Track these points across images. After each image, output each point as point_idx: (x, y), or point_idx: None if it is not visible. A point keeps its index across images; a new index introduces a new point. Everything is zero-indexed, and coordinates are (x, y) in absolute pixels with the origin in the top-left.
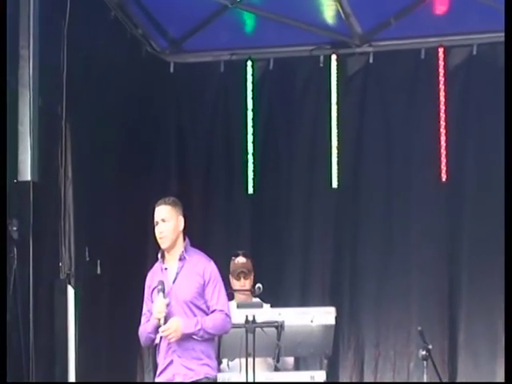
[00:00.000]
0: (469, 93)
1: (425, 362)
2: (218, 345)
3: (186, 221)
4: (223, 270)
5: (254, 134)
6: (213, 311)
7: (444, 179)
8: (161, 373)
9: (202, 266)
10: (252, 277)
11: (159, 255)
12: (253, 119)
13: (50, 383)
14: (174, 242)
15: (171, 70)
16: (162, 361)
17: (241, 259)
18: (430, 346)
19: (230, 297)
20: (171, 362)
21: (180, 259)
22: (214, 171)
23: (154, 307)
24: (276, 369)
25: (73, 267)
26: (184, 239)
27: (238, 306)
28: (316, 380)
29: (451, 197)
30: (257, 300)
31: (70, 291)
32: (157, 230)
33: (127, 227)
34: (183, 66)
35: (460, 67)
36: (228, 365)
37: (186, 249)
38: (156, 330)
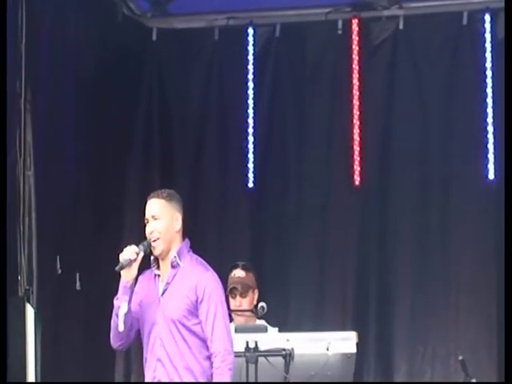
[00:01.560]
0: None
1: None
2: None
3: (184, 219)
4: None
5: (255, 117)
6: (211, 354)
7: (491, 176)
8: None
9: (195, 278)
10: (253, 294)
11: (152, 258)
12: (254, 98)
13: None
14: (169, 246)
15: (153, 37)
16: None
17: (238, 272)
18: (474, 380)
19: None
20: None
21: (173, 266)
22: (206, 161)
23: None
24: None
25: (35, 282)
26: (181, 242)
27: (237, 330)
28: None
29: (501, 198)
30: (261, 322)
31: (30, 311)
32: (147, 229)
33: (101, 231)
34: (168, 33)
35: None
36: None
37: (179, 253)
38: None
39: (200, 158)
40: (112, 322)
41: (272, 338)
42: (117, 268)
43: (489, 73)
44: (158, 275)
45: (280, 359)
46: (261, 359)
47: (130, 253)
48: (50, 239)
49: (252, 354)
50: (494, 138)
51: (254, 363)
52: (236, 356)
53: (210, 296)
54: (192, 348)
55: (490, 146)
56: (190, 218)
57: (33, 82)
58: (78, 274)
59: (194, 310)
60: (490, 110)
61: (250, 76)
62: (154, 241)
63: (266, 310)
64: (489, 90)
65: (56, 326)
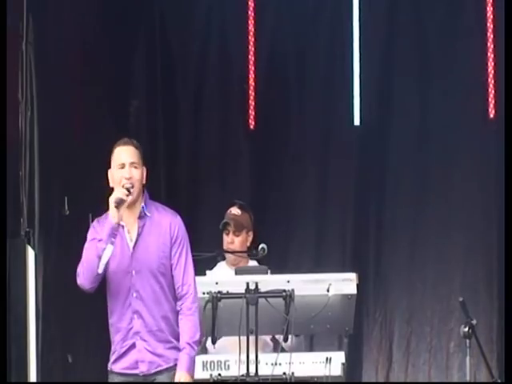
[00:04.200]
0: None
1: (468, 341)
2: (213, 320)
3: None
4: (215, 229)
5: (256, 55)
6: (181, 297)
7: (492, 115)
8: (119, 358)
9: (167, 220)
10: (247, 235)
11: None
12: (255, 36)
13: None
14: (137, 197)
15: None
16: (120, 344)
17: (234, 210)
18: (475, 321)
19: (221, 257)
20: (133, 346)
21: (140, 217)
22: (208, 101)
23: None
24: (282, 349)
25: (36, 222)
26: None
27: (237, 273)
28: (333, 363)
29: (500, 136)
30: (253, 263)
31: (30, 254)
32: (123, 173)
33: (104, 174)
34: None
35: None
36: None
37: (146, 203)
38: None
39: (201, 98)
40: (90, 262)
41: (272, 280)
42: (115, 205)
43: (489, 7)
44: (122, 226)
45: (280, 300)
46: (261, 300)
47: (122, 193)
48: (54, 179)
49: (252, 296)
50: (495, 76)
51: (254, 305)
52: (236, 297)
53: (182, 238)
54: (168, 295)
55: (491, 85)
56: (191, 159)
57: (35, 20)
58: (90, 215)
59: (168, 255)
60: (490, 48)
61: (251, 14)
62: (132, 186)
63: (266, 251)
64: (489, 24)
65: (60, 270)
